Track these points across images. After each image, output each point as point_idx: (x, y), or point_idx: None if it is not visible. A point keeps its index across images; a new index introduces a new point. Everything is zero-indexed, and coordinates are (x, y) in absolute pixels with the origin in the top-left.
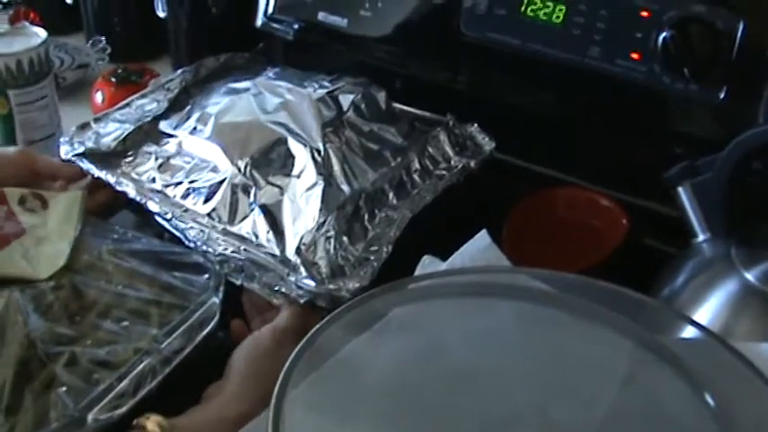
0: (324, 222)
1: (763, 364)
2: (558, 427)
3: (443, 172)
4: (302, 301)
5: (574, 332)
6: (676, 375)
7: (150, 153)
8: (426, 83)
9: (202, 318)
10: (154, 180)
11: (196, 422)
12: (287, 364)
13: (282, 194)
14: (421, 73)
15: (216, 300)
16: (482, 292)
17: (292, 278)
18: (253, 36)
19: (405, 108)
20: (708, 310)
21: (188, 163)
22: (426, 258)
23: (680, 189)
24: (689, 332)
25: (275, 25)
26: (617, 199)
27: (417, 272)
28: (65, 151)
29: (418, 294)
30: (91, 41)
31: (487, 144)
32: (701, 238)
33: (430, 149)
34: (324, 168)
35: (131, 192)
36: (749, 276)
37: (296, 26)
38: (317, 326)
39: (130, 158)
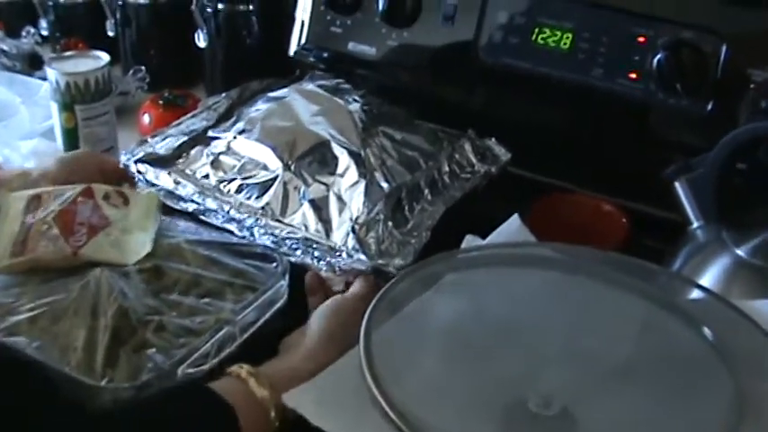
0: (373, 209)
1: (755, 315)
2: (589, 362)
3: (468, 175)
4: (364, 267)
5: (595, 292)
6: (684, 322)
7: (201, 152)
8: (447, 103)
9: (272, 297)
10: (207, 176)
11: (274, 371)
12: (369, 310)
13: (328, 191)
14: (442, 95)
15: (284, 283)
16: (517, 262)
17: (344, 254)
18: (285, 65)
19: (427, 123)
20: (705, 282)
21: (238, 160)
22: (469, 236)
23: (676, 184)
24: (692, 292)
25: (307, 54)
26: (619, 204)
27: (463, 246)
28: (125, 159)
29: (467, 263)
30: (132, 70)
31: (504, 155)
32: (695, 224)
33: (456, 156)
34: (364, 168)
35: (190, 190)
36: (740, 252)
37: (326, 55)
38: (390, 283)
39: (183, 159)
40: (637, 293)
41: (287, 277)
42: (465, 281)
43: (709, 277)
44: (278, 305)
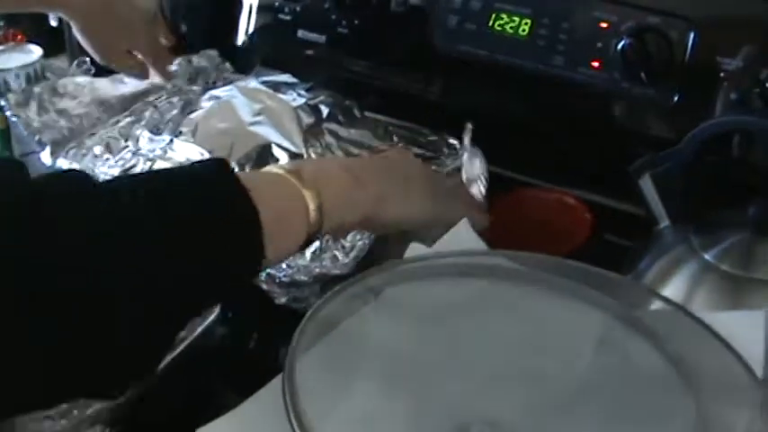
0: None
1: (721, 329)
2: (540, 384)
3: None
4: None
5: (549, 305)
6: (644, 338)
7: (138, 155)
8: (401, 93)
9: None
10: None
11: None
12: (297, 331)
13: None
14: (395, 84)
15: None
16: (464, 272)
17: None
18: (234, 54)
19: (377, 116)
20: (670, 288)
21: (175, 165)
22: (413, 244)
23: (642, 180)
24: (655, 304)
25: (256, 43)
26: (582, 198)
27: (406, 256)
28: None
29: (409, 274)
30: (76, 62)
31: (459, 149)
32: (661, 224)
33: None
34: None
35: None
36: (707, 256)
37: (275, 44)
38: (319, 301)
39: (119, 161)
40: (595, 306)
41: None
42: (406, 295)
43: (675, 283)
44: (211, 317)
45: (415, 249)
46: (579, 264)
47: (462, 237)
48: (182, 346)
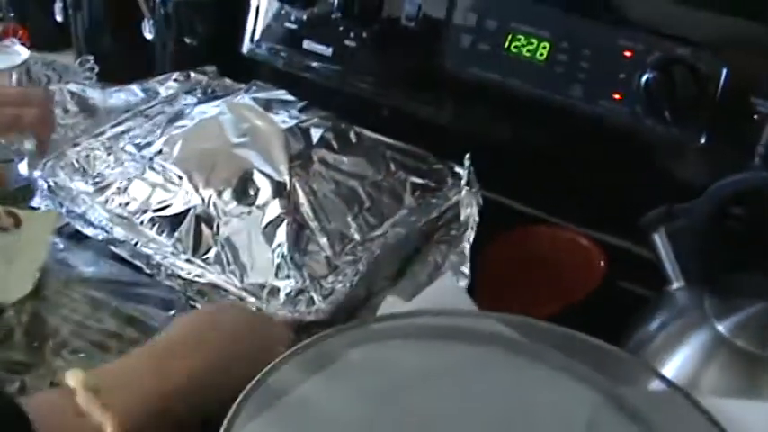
0: (295, 251)
1: (725, 419)
2: None
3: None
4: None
5: (535, 380)
6: (636, 425)
7: (115, 173)
8: (408, 115)
9: None
10: (120, 205)
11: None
12: (236, 402)
13: (246, 227)
14: (403, 105)
15: None
16: (442, 334)
17: (255, 305)
18: (237, 61)
19: (377, 137)
20: (678, 360)
21: (152, 186)
22: (390, 298)
23: (655, 235)
24: (654, 384)
25: (260, 52)
26: (595, 239)
27: (380, 311)
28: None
29: (377, 335)
30: (79, 61)
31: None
32: (674, 285)
33: (407, 185)
34: (289, 203)
35: (103, 214)
36: (720, 328)
37: (281, 53)
38: (269, 366)
39: (98, 179)
40: (586, 384)
41: None
42: (371, 359)
43: (683, 354)
44: None
45: (390, 304)
46: (571, 332)
47: (446, 292)
48: None
